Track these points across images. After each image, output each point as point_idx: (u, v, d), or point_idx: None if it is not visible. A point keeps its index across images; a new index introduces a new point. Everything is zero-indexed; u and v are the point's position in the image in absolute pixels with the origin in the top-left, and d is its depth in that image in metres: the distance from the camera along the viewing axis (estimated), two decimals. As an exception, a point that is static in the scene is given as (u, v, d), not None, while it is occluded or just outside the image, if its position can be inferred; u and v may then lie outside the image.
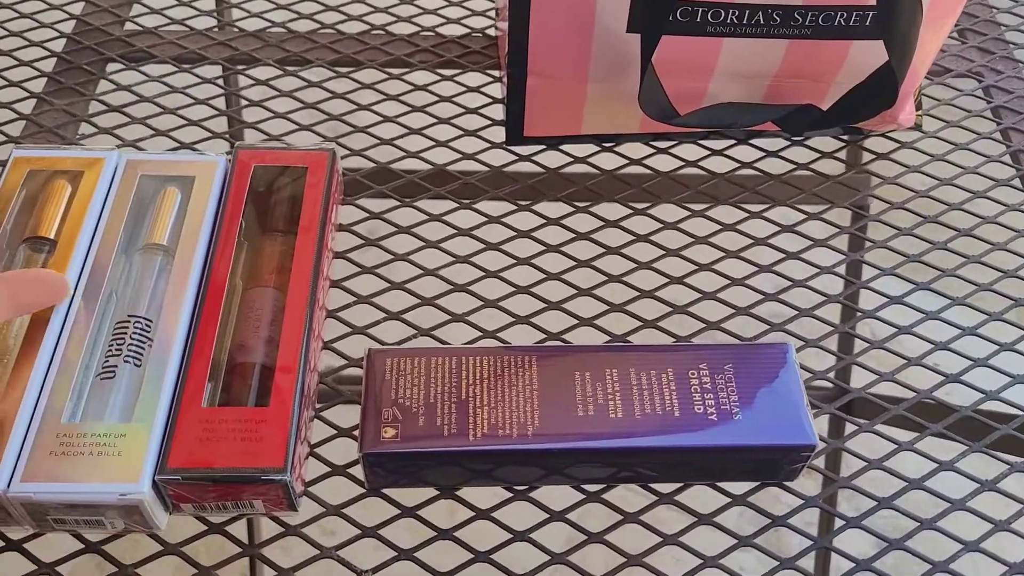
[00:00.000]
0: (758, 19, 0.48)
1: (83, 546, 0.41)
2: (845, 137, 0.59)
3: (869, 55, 0.50)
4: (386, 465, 0.41)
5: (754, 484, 0.43)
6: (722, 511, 0.43)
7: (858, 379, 0.51)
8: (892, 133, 0.58)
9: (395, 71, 0.62)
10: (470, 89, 0.61)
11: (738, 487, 0.43)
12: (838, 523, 0.43)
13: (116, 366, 0.42)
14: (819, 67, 0.51)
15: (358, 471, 0.43)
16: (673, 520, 0.43)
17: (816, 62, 0.51)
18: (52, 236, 0.46)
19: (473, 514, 0.43)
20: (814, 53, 0.50)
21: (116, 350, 0.43)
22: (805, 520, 0.44)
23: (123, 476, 0.39)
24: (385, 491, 0.43)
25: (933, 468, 0.45)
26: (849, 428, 0.48)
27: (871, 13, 0.48)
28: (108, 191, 0.49)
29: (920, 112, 0.58)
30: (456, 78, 0.62)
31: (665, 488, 0.43)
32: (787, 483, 0.43)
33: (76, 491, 0.38)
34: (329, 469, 0.44)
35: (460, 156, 0.57)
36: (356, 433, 0.44)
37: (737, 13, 0.48)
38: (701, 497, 0.43)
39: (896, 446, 0.45)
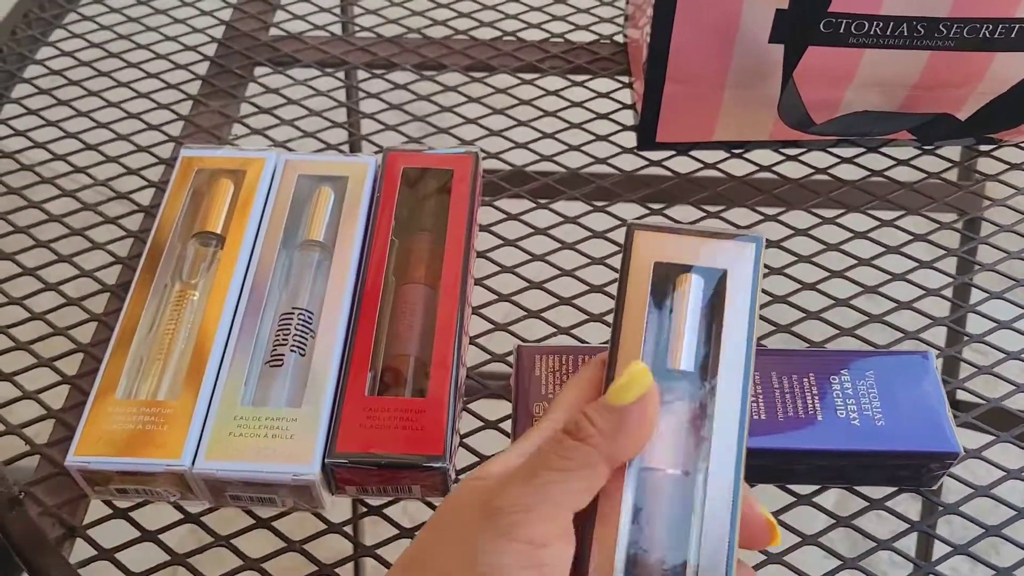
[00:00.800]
0: (902, 31, 0.49)
1: (254, 521, 0.44)
2: (980, 148, 0.58)
3: (1012, 67, 0.50)
4: None
5: (862, 505, 0.44)
6: (860, 514, 0.44)
7: (963, 404, 0.50)
8: (1001, 154, 0.58)
9: (527, 76, 0.64)
10: (600, 95, 0.63)
11: (843, 508, 0.44)
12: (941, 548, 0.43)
13: (283, 355, 0.45)
14: (960, 77, 0.52)
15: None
16: (813, 519, 0.44)
17: (957, 73, 0.51)
18: (220, 231, 0.50)
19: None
20: (956, 64, 0.51)
21: (283, 340, 0.46)
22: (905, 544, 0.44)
23: (296, 458, 0.41)
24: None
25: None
26: (985, 438, 0.48)
27: (1017, 26, 0.48)
28: (269, 190, 0.52)
29: (1056, 124, 0.57)
30: (586, 83, 0.63)
31: (802, 489, 0.44)
32: (931, 490, 0.44)
33: (254, 470, 0.41)
34: (477, 460, 0.46)
35: (592, 160, 0.59)
36: (502, 426, 0.46)
37: (881, 25, 0.49)
38: (838, 500, 0.44)
39: (1004, 473, 0.45)
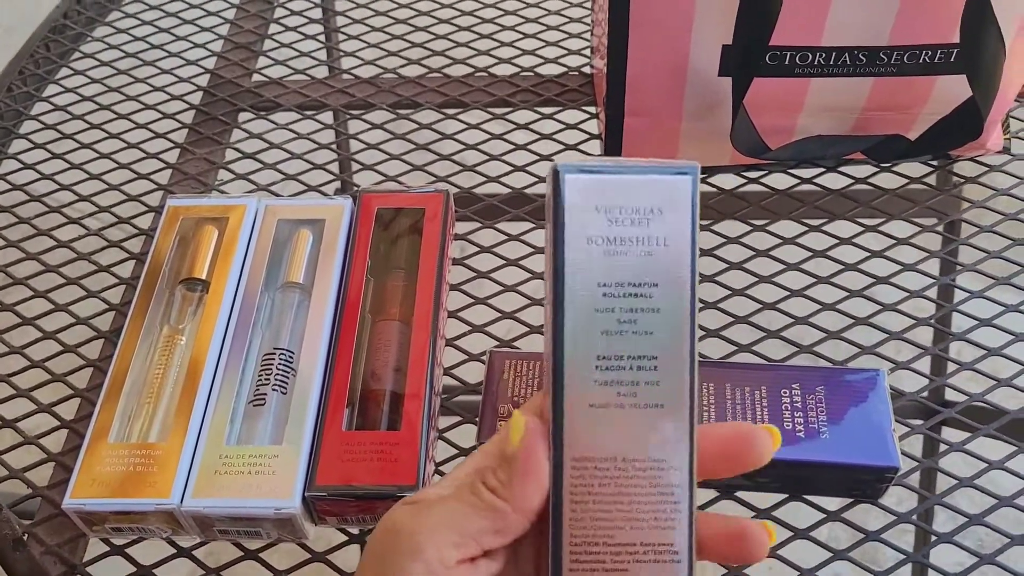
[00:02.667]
0: (844, 60, 0.51)
1: (242, 553, 0.46)
2: (934, 162, 0.61)
3: (955, 88, 0.52)
4: None
5: (848, 500, 0.46)
6: (817, 525, 0.46)
7: (950, 399, 0.53)
8: (980, 157, 0.60)
9: (499, 111, 0.67)
10: (568, 126, 0.65)
11: (833, 503, 0.46)
12: (932, 538, 0.46)
13: (266, 394, 0.48)
14: (905, 101, 0.54)
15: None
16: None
17: (902, 96, 0.53)
18: (205, 277, 0.52)
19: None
20: (900, 88, 0.53)
21: (265, 379, 0.48)
22: (896, 535, 0.46)
23: (278, 493, 0.44)
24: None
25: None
26: (943, 447, 0.50)
27: (955, 50, 0.50)
28: (250, 234, 0.54)
29: (1008, 135, 0.60)
30: (555, 115, 0.66)
31: (762, 503, 0.47)
32: (877, 501, 0.46)
33: (238, 506, 0.44)
34: (453, 485, 0.48)
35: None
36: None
37: (824, 55, 0.51)
38: (796, 512, 0.46)
39: (986, 464, 0.47)
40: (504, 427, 0.34)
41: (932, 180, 0.62)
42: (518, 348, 0.52)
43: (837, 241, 0.58)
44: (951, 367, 0.52)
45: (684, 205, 0.33)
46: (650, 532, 0.33)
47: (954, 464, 0.49)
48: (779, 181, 0.61)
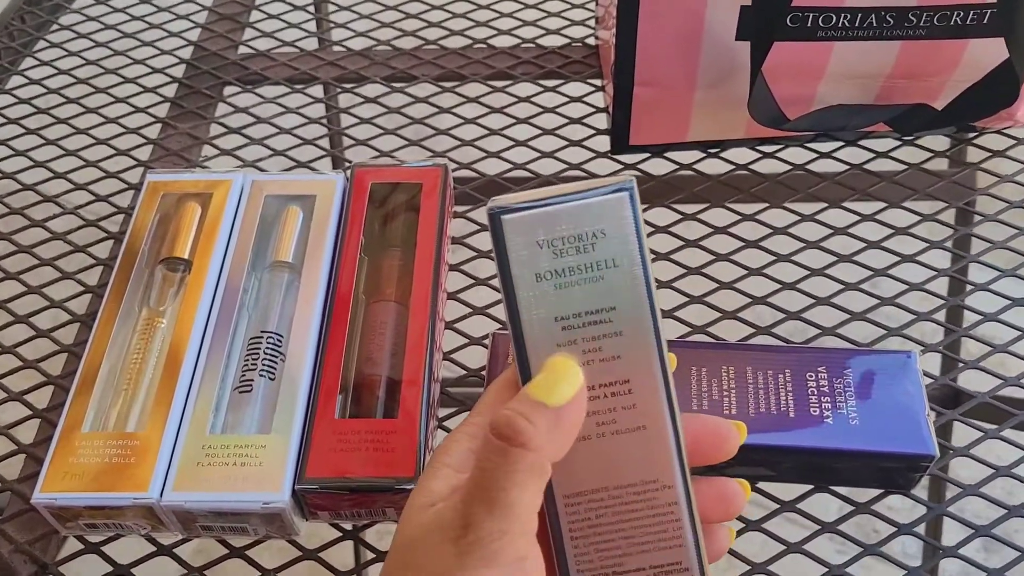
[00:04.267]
0: (871, 22, 0.48)
1: (227, 551, 0.43)
2: (958, 135, 0.57)
3: (987, 53, 0.49)
4: None
5: (878, 492, 0.43)
6: (845, 519, 0.43)
7: (974, 383, 0.50)
8: (1008, 130, 0.57)
9: (498, 84, 0.63)
10: (572, 99, 0.62)
11: (859, 495, 0.43)
12: (960, 532, 0.43)
13: (252, 380, 0.44)
14: (934, 67, 0.51)
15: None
16: (796, 529, 0.43)
17: (931, 62, 0.50)
18: (187, 256, 0.49)
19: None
20: (929, 53, 0.50)
21: (251, 364, 0.45)
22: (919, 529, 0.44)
23: (265, 486, 0.41)
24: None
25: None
26: (969, 433, 0.47)
27: (989, 11, 0.47)
28: (236, 211, 0.51)
29: (1038, 107, 0.56)
30: (558, 89, 0.63)
31: (785, 495, 0.43)
32: (909, 491, 0.43)
33: (223, 500, 0.40)
34: (454, 477, 0.45)
35: (566, 166, 0.58)
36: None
37: (849, 17, 0.48)
38: (821, 504, 0.43)
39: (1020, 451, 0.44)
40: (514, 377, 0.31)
41: (954, 156, 0.59)
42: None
43: (859, 218, 0.54)
44: (981, 349, 0.49)
45: (626, 221, 0.32)
46: (657, 554, 0.33)
47: (981, 454, 0.45)
48: (795, 156, 0.57)
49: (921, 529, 0.43)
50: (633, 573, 0.33)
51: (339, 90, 0.64)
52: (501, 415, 0.28)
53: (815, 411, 0.42)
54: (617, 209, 0.33)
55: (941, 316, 0.50)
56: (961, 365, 0.48)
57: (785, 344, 0.46)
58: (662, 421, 0.33)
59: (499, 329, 0.47)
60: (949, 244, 0.54)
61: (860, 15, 0.48)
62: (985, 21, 0.47)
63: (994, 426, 0.46)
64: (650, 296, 0.33)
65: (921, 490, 0.44)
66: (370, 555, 0.43)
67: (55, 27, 0.71)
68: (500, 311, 0.51)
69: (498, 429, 0.28)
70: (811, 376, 0.43)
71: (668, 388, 0.33)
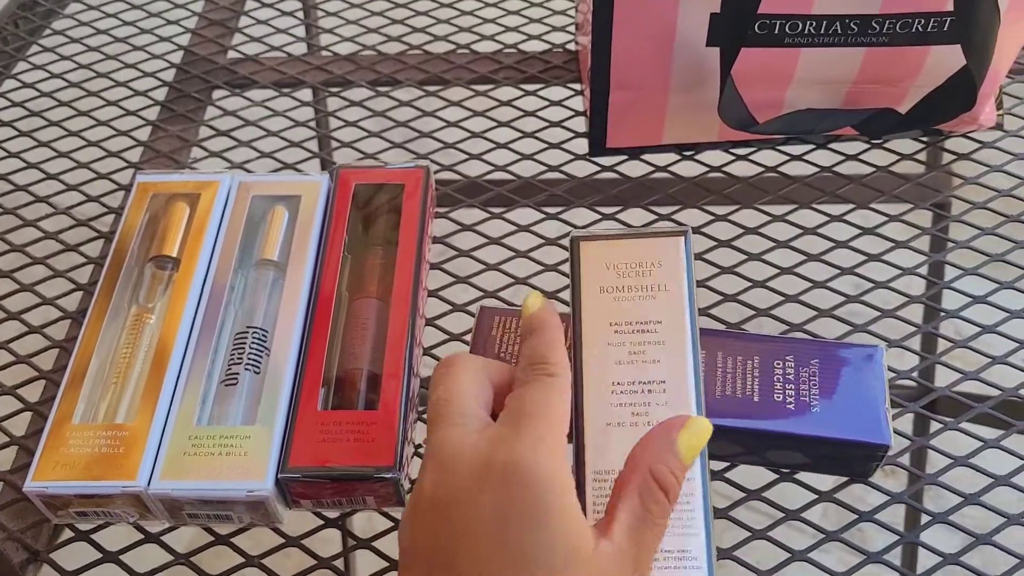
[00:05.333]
0: (835, 29, 0.50)
1: (213, 539, 0.45)
2: (925, 139, 0.59)
3: (947, 59, 0.51)
4: None
5: (841, 481, 0.45)
6: (810, 506, 0.45)
7: (943, 378, 0.51)
8: (973, 133, 0.59)
9: (481, 88, 0.65)
10: (553, 103, 0.64)
11: (824, 484, 0.45)
12: (924, 519, 0.44)
13: (238, 373, 0.46)
14: (897, 72, 0.52)
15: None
16: (763, 514, 0.45)
17: (894, 67, 0.52)
18: (175, 255, 0.50)
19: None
20: (892, 59, 0.51)
21: (237, 358, 0.46)
22: (890, 517, 0.45)
23: (250, 475, 0.42)
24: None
25: (1019, 465, 0.46)
26: (935, 426, 0.49)
27: (948, 19, 0.49)
28: (223, 211, 0.52)
29: (1001, 111, 0.58)
30: (539, 93, 0.64)
31: (753, 484, 0.45)
32: (868, 480, 0.44)
33: (208, 488, 0.42)
34: (433, 467, 0.46)
35: (545, 168, 0.59)
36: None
37: (814, 24, 0.49)
38: (787, 493, 0.45)
39: (981, 443, 0.46)
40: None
41: (923, 158, 0.61)
42: (512, 304, 0.50)
43: (827, 219, 0.56)
44: (943, 345, 0.50)
45: (680, 257, 0.41)
46: (669, 539, 0.36)
47: (947, 444, 0.47)
48: (768, 158, 0.59)
49: (883, 516, 0.45)
50: None
51: (326, 94, 0.66)
52: (663, 472, 0.35)
53: (778, 397, 0.43)
54: (674, 247, 0.42)
55: (905, 313, 0.52)
56: (923, 360, 0.50)
57: (758, 333, 0.48)
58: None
59: (484, 305, 0.49)
60: (915, 244, 0.56)
61: (825, 23, 0.49)
62: (945, 29, 0.49)
63: (952, 419, 0.48)
64: (692, 317, 0.40)
65: (887, 479, 0.45)
66: (351, 543, 0.44)
67: (48, 32, 0.72)
68: (477, 308, 0.52)
69: (661, 481, 0.34)
70: (778, 364, 0.45)
71: (699, 393, 0.39)
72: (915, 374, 0.50)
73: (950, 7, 0.48)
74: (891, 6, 0.49)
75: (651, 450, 0.35)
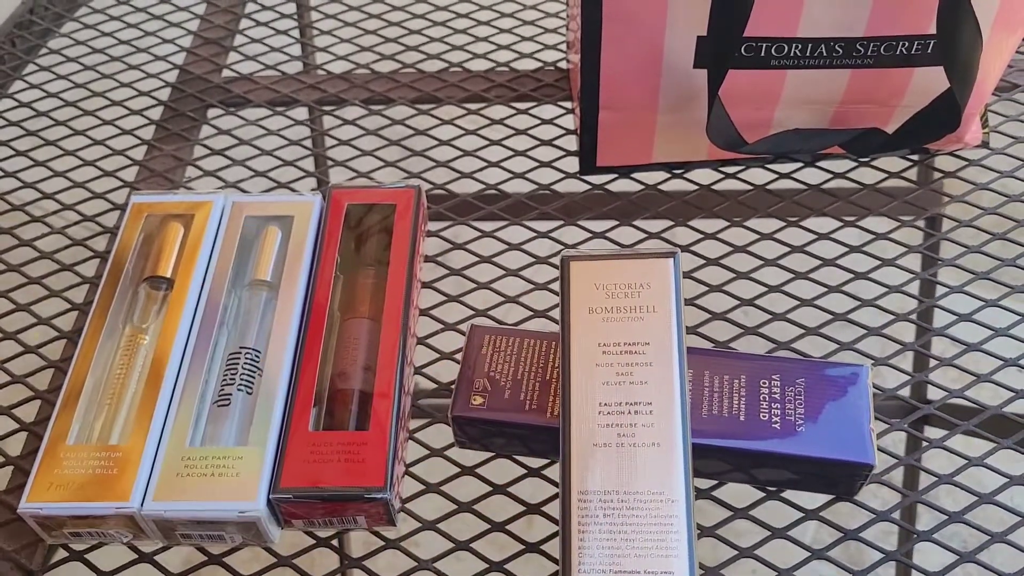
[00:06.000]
0: (821, 51, 0.50)
1: (206, 559, 0.45)
2: (913, 157, 0.60)
3: (932, 80, 0.51)
4: (470, 429, 0.46)
5: (829, 498, 0.45)
6: (796, 524, 0.45)
7: (930, 396, 0.52)
8: (959, 151, 0.59)
9: (473, 106, 0.65)
10: (544, 121, 0.64)
11: (813, 502, 0.45)
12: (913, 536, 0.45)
13: (231, 394, 0.46)
14: (883, 93, 0.53)
15: (451, 488, 0.46)
16: (749, 533, 0.45)
17: (880, 89, 0.53)
18: (169, 275, 0.51)
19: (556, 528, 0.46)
20: (877, 80, 0.52)
21: (230, 379, 0.47)
22: (880, 534, 0.46)
23: (241, 495, 0.43)
24: (476, 507, 0.46)
25: (1004, 482, 0.46)
26: (924, 443, 0.49)
27: (932, 41, 0.50)
28: (217, 231, 0.53)
29: (987, 129, 0.59)
30: (531, 111, 0.65)
31: (740, 502, 0.46)
32: (854, 498, 0.45)
33: (201, 509, 0.42)
34: (424, 487, 0.47)
35: (537, 186, 0.60)
36: (448, 453, 0.47)
37: (800, 47, 0.50)
38: (776, 511, 0.46)
39: (966, 460, 0.47)
40: None
41: (911, 175, 0.61)
42: (502, 323, 0.51)
43: (815, 237, 0.57)
44: (932, 363, 0.51)
45: (668, 279, 0.42)
46: (653, 560, 0.37)
47: (936, 462, 0.48)
48: (757, 176, 0.60)
49: (876, 534, 0.46)
50: (628, 574, 0.37)
51: (320, 112, 0.67)
52: None
53: (764, 416, 0.44)
54: (663, 269, 0.43)
55: (891, 331, 0.52)
56: (909, 378, 0.50)
57: (745, 352, 0.48)
58: (675, 441, 0.39)
59: (475, 323, 0.49)
60: (902, 262, 0.56)
61: (811, 45, 0.50)
62: (929, 51, 0.50)
63: (942, 434, 0.48)
64: (679, 338, 0.41)
65: (871, 497, 0.46)
66: (343, 561, 0.45)
67: (44, 51, 0.73)
68: (468, 327, 0.53)
69: None
70: (764, 383, 0.45)
71: (684, 415, 0.40)
72: (904, 391, 0.50)
73: (933, 30, 0.49)
74: (875, 29, 0.49)
75: None
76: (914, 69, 0.51)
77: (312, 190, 0.66)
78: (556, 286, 0.55)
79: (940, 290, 0.55)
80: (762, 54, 0.50)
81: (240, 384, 0.47)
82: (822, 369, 0.46)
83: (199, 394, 0.46)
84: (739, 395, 0.45)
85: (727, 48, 0.49)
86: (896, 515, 0.46)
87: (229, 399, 0.46)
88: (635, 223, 0.58)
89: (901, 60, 0.51)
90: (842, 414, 0.44)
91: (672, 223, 0.58)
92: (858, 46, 0.50)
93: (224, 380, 0.47)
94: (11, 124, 0.67)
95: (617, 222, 0.58)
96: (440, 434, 0.49)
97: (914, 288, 0.56)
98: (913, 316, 0.53)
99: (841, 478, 0.43)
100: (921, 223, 0.58)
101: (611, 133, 0.56)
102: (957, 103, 0.49)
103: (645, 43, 0.51)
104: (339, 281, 0.52)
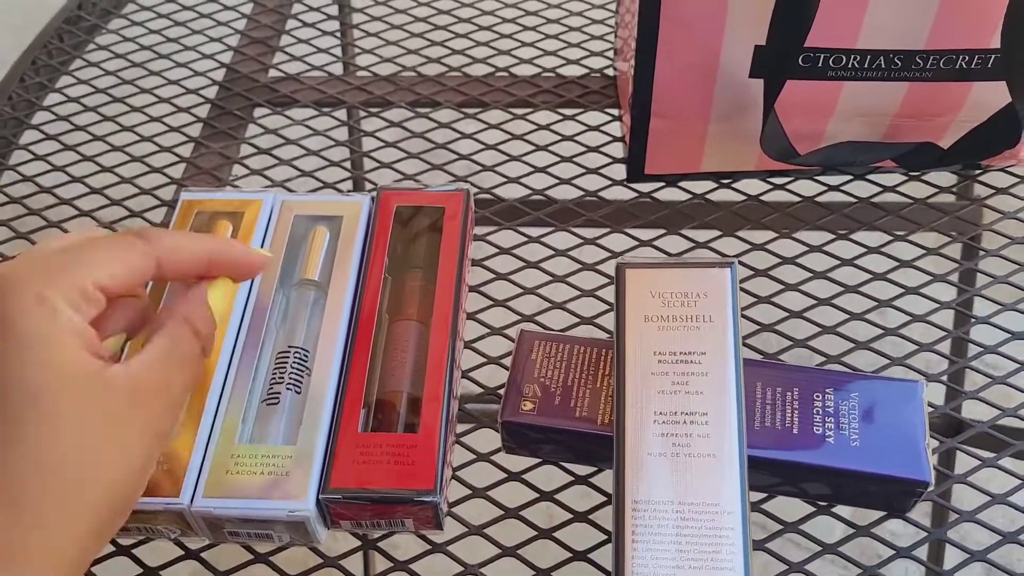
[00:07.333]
0: (879, 63, 0.50)
1: (252, 557, 0.45)
2: (963, 172, 0.59)
3: (991, 95, 0.51)
4: (518, 434, 0.45)
5: (879, 514, 0.45)
6: (845, 542, 0.45)
7: (975, 413, 0.51)
8: (1012, 167, 0.59)
9: (519, 111, 0.65)
10: (590, 128, 0.64)
11: (862, 519, 0.45)
12: (962, 556, 0.44)
13: (279, 393, 0.46)
14: (940, 107, 0.52)
15: (498, 494, 0.46)
16: (795, 548, 0.45)
17: (937, 103, 0.52)
18: (218, 272, 0.51)
19: (606, 537, 0.45)
20: (935, 94, 0.52)
21: (279, 378, 0.47)
22: (920, 553, 0.45)
23: (291, 495, 0.42)
24: (523, 514, 0.46)
25: (1059, 504, 0.45)
26: (970, 462, 0.48)
27: (993, 56, 0.49)
28: (266, 230, 0.53)
29: (1042, 146, 0.58)
30: (577, 117, 0.65)
31: (789, 516, 0.45)
32: (905, 515, 0.44)
33: (250, 507, 0.42)
34: (470, 491, 0.47)
35: (583, 193, 0.60)
36: (494, 458, 0.47)
37: (858, 58, 0.50)
38: (821, 525, 0.45)
39: (1021, 481, 0.46)
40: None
41: (960, 190, 0.61)
42: (549, 329, 0.51)
43: (865, 250, 0.56)
44: (981, 380, 0.50)
45: (726, 289, 0.42)
46: (708, 572, 0.37)
47: (980, 482, 0.47)
48: (805, 188, 0.59)
49: (921, 553, 0.45)
50: None
51: (364, 114, 0.67)
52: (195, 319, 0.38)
53: (818, 430, 0.43)
54: (721, 278, 0.43)
55: (944, 347, 0.51)
56: (962, 395, 0.50)
57: (798, 365, 0.48)
58: (732, 453, 0.39)
59: (524, 329, 0.49)
60: (953, 277, 0.55)
61: (869, 57, 0.50)
62: (989, 66, 0.49)
63: (993, 455, 0.47)
64: (736, 349, 0.41)
65: (924, 516, 0.45)
66: (388, 564, 0.44)
67: (92, 47, 0.73)
68: (515, 332, 0.53)
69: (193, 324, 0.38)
70: (818, 396, 0.45)
71: (740, 426, 0.39)
72: (949, 409, 0.50)
73: (995, 44, 0.49)
74: (936, 42, 0.49)
75: (185, 301, 0.39)
76: (973, 84, 0.51)
77: (348, 191, 0.66)
78: (603, 293, 0.55)
79: (989, 308, 0.54)
80: (819, 65, 0.50)
81: (289, 383, 0.47)
82: (876, 384, 0.45)
83: (248, 392, 0.46)
84: (792, 407, 0.44)
85: (786, 58, 0.49)
86: (950, 533, 0.45)
87: (278, 398, 0.46)
88: (682, 232, 0.57)
89: (960, 74, 0.50)
90: (897, 430, 0.43)
91: (720, 233, 0.57)
92: (917, 59, 0.49)
93: (273, 379, 0.47)
94: (59, 119, 0.67)
95: (664, 231, 0.58)
96: (486, 438, 0.48)
97: (962, 305, 0.55)
98: (961, 333, 0.52)
99: (895, 495, 0.43)
100: (968, 239, 0.57)
101: (661, 141, 0.56)
102: (1018, 118, 0.49)
103: (701, 51, 0.51)
104: (387, 283, 0.52)
